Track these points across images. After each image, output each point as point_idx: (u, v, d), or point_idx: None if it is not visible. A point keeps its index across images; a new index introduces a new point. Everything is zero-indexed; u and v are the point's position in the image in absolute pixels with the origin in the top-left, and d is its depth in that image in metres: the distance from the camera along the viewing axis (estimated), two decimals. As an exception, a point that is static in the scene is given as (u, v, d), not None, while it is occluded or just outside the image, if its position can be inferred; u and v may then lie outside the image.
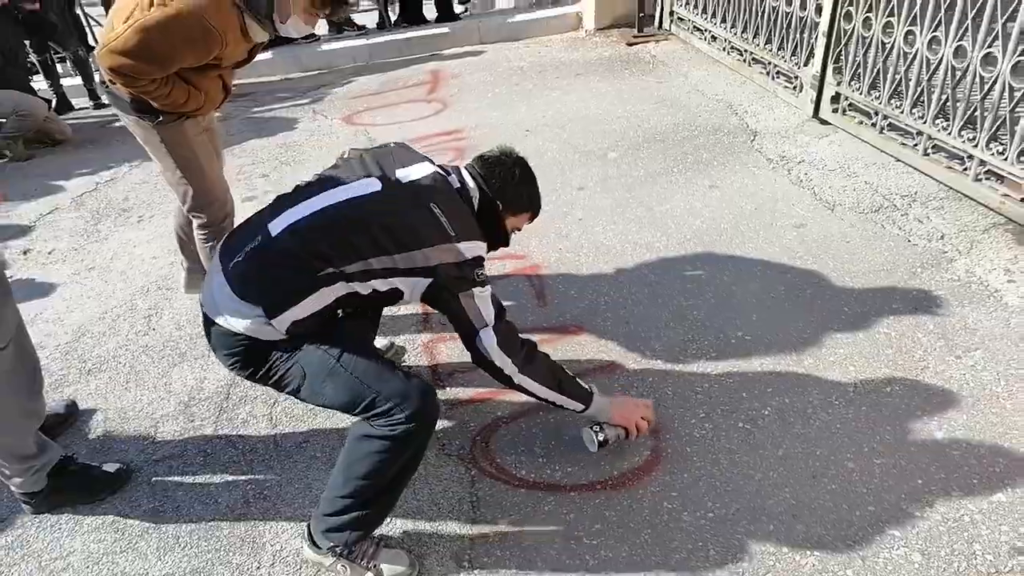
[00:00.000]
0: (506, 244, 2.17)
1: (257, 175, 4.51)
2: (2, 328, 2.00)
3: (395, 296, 1.90)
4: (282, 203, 1.91)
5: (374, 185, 1.88)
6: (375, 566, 1.92)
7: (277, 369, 1.86)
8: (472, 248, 1.88)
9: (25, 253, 3.91)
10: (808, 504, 2.04)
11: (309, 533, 1.97)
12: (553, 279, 3.16)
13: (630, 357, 2.67)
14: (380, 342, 2.71)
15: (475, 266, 1.88)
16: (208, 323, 1.86)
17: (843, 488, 2.08)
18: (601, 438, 2.18)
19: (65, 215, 4.32)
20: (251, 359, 1.86)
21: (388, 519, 2.09)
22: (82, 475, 2.31)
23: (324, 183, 1.93)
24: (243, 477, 2.34)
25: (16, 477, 2.19)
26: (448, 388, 2.62)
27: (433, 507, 2.16)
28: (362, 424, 1.84)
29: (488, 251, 2.01)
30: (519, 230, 2.23)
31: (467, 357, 2.67)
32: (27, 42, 5.86)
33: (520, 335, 2.04)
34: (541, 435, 2.37)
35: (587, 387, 2.13)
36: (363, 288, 1.83)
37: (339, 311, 1.91)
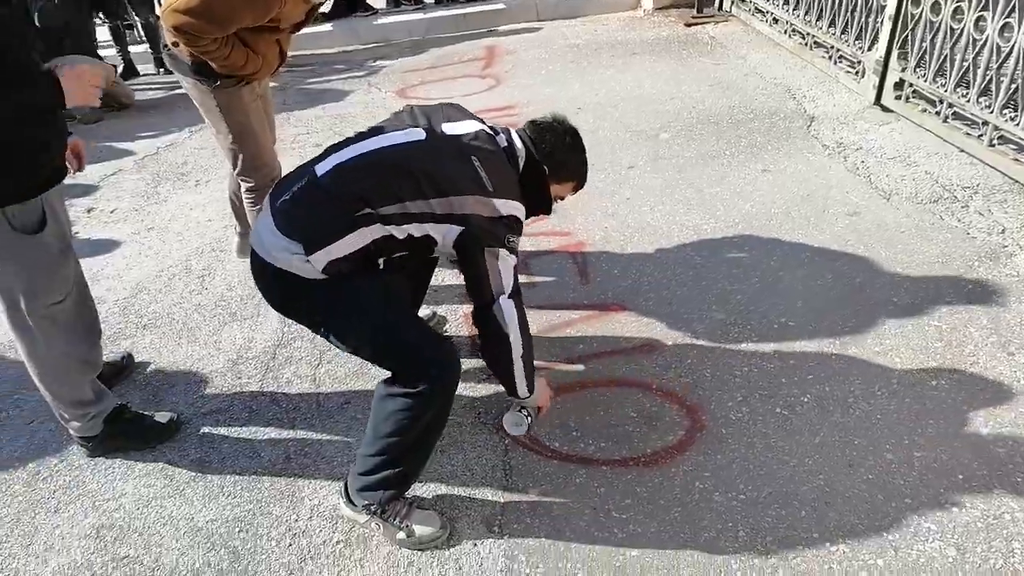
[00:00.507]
0: (548, 211, 2.17)
1: (311, 144, 4.59)
2: (61, 283, 2.10)
3: (428, 244, 1.89)
4: (331, 150, 1.95)
5: (419, 135, 1.91)
6: (407, 525, 1.98)
7: (314, 308, 1.90)
8: (508, 206, 1.87)
9: (89, 211, 4.06)
10: (842, 492, 2.02)
11: (346, 491, 2.04)
12: (597, 257, 3.16)
13: (670, 337, 2.66)
14: (423, 311, 2.77)
15: (509, 227, 1.88)
16: (254, 259, 1.91)
17: (880, 479, 2.06)
18: (530, 421, 2.24)
19: (127, 176, 4.47)
20: (290, 295, 1.90)
21: (422, 482, 2.15)
22: (136, 423, 2.42)
23: (372, 132, 1.96)
24: (286, 434, 2.42)
25: (74, 421, 2.30)
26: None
27: (467, 472, 2.20)
28: (386, 384, 1.90)
29: (529, 215, 2.02)
30: (562, 199, 2.22)
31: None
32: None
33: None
34: (575, 409, 2.39)
35: (527, 382, 2.10)
36: (399, 232, 1.84)
37: (379, 260, 1.94)
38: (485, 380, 2.55)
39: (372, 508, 1.98)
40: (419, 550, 1.98)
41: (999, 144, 3.41)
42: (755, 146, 3.96)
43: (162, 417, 2.48)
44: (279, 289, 1.91)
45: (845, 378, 2.41)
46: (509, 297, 1.92)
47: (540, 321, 2.81)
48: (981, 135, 3.48)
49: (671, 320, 2.75)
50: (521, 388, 2.08)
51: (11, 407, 2.66)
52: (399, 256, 1.96)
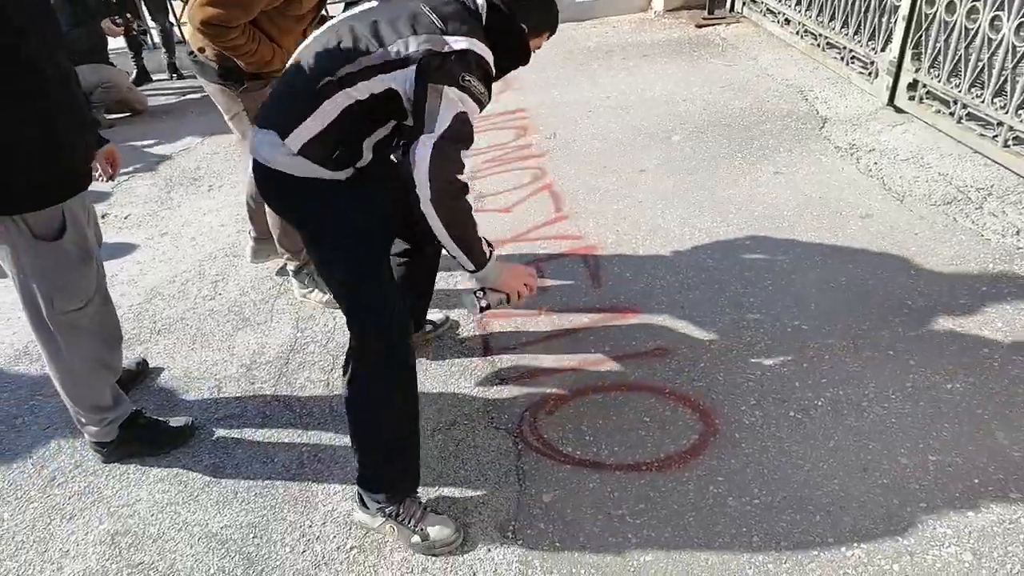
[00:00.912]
0: (526, 61, 2.03)
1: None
2: (81, 291, 2.12)
3: (395, 102, 1.79)
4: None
5: (373, 3, 1.90)
6: (422, 529, 1.98)
7: (304, 217, 1.97)
8: (461, 42, 1.73)
9: (103, 217, 4.09)
10: (857, 497, 2.01)
11: (360, 496, 2.04)
12: (609, 260, 3.16)
13: (682, 341, 2.66)
14: (434, 315, 2.77)
15: (464, 65, 1.74)
16: (254, 168, 1.93)
17: (895, 483, 2.04)
18: (484, 303, 2.03)
19: (141, 182, 4.50)
20: (285, 198, 1.96)
21: (436, 486, 2.16)
22: (150, 428, 2.44)
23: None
24: (299, 439, 2.43)
25: (91, 426, 2.32)
26: (499, 363, 2.65)
27: (480, 477, 2.20)
28: (347, 386, 1.96)
29: (508, 68, 1.96)
30: (538, 48, 2.09)
31: (520, 333, 2.72)
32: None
33: (460, 177, 1.82)
34: (588, 414, 2.38)
35: (487, 250, 1.93)
36: (360, 93, 1.76)
37: (362, 148, 1.88)
38: (497, 384, 2.55)
39: (386, 511, 2.00)
40: (433, 555, 1.98)
41: (1014, 145, 3.38)
42: (767, 148, 3.94)
43: (176, 422, 2.50)
44: (275, 191, 1.95)
45: (859, 381, 2.40)
46: (437, 139, 1.72)
47: (552, 324, 2.81)
48: (996, 136, 3.45)
49: (684, 323, 2.74)
50: (464, 261, 1.89)
51: (27, 413, 2.68)
52: (382, 150, 1.92)
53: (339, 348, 2.82)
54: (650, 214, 3.46)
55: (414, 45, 1.73)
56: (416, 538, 1.98)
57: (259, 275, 3.34)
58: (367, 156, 1.90)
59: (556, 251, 3.27)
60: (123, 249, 3.73)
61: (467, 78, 1.74)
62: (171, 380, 2.77)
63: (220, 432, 2.50)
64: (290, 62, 1.93)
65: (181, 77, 6.42)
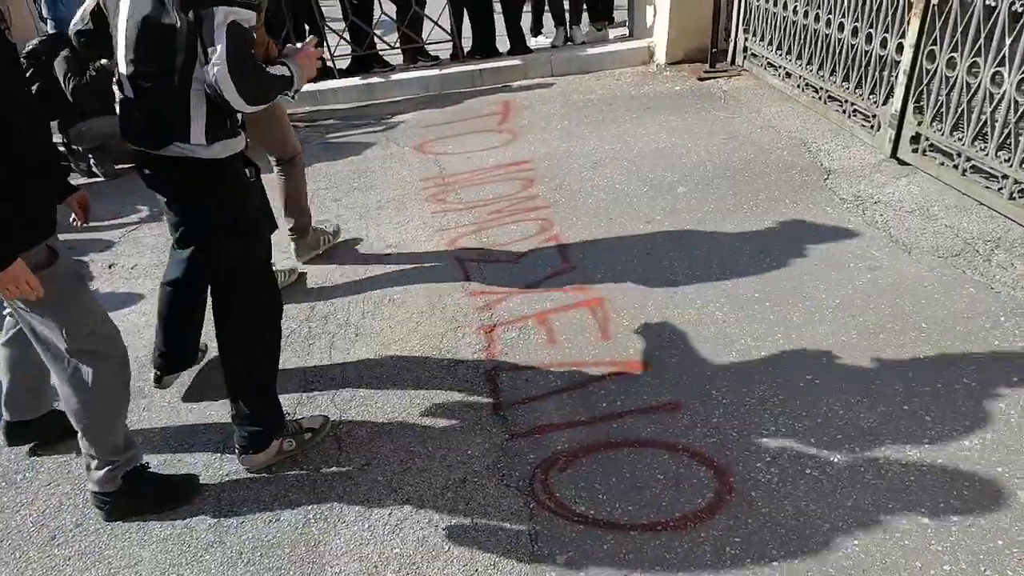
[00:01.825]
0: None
1: (330, 199, 4.64)
2: (88, 312, 2.17)
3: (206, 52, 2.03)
4: None
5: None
6: (300, 426, 2.56)
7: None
8: None
9: (110, 267, 4.10)
10: (880, 560, 1.96)
11: (250, 446, 2.46)
12: (618, 312, 3.15)
13: (695, 396, 2.63)
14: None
15: None
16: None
17: (917, 545, 1.99)
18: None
19: (148, 232, 4.52)
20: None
21: (447, 548, 2.11)
22: (155, 482, 2.42)
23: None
24: (306, 496, 2.38)
25: (98, 471, 2.29)
26: (509, 418, 2.62)
27: (491, 538, 2.15)
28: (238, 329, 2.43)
29: None
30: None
31: (530, 386, 2.70)
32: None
33: (257, 66, 2.11)
34: (601, 471, 2.34)
35: (286, 72, 2.23)
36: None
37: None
38: (507, 440, 2.52)
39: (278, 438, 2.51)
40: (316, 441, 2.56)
41: (1019, 197, 3.39)
42: (772, 200, 3.96)
43: (179, 478, 2.47)
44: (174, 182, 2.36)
45: (875, 438, 2.36)
46: (226, 53, 1.98)
47: (562, 378, 2.78)
48: (1001, 188, 3.47)
49: (694, 377, 2.72)
50: (286, 97, 2.29)
51: (27, 469, 2.64)
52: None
53: (345, 402, 2.79)
54: (658, 266, 3.46)
55: None
56: (306, 435, 2.55)
57: (266, 327, 3.32)
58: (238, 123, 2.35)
59: (565, 303, 3.26)
60: (129, 300, 3.72)
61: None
62: (176, 434, 2.73)
63: (225, 489, 2.45)
64: None
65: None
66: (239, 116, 2.26)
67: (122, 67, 2.19)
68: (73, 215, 2.42)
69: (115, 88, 2.29)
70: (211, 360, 3.10)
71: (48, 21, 6.19)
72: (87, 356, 2.17)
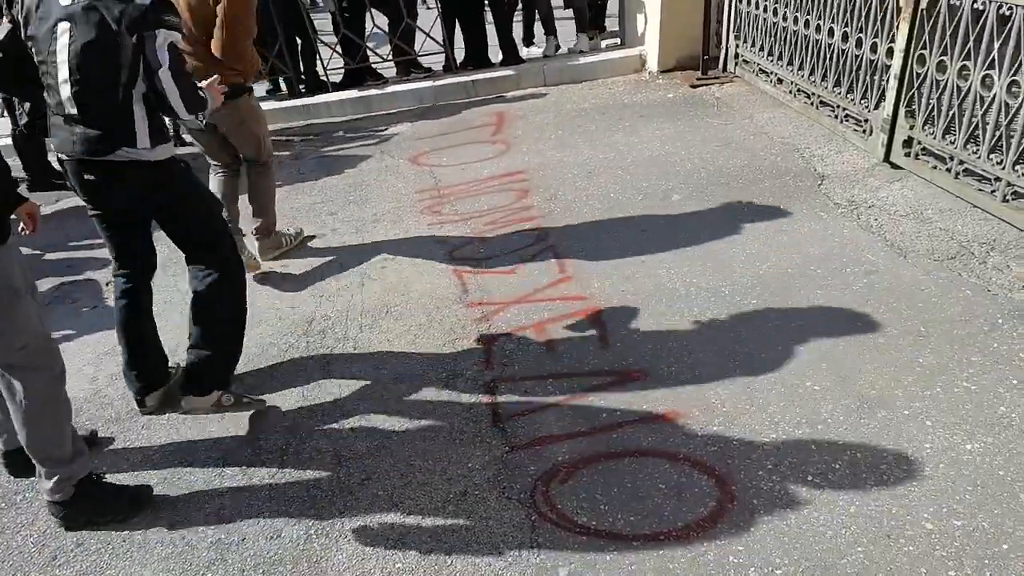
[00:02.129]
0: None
1: (325, 213, 4.64)
2: (19, 328, 2.19)
3: (149, 68, 2.40)
4: None
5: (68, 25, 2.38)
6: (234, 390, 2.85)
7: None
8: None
9: (108, 284, 4.09)
10: (884, 566, 1.96)
11: (194, 388, 2.75)
12: (616, 322, 3.15)
13: (695, 404, 2.63)
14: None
15: (160, 10, 2.37)
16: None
17: (921, 550, 1.99)
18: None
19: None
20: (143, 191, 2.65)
21: (449, 560, 2.10)
22: (107, 490, 2.45)
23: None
24: (307, 512, 2.37)
25: (47, 481, 2.32)
26: (509, 430, 2.62)
27: (493, 551, 2.14)
28: (215, 293, 2.81)
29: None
30: None
31: (529, 400, 2.69)
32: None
33: (190, 76, 2.55)
34: (602, 482, 2.34)
35: (204, 96, 2.60)
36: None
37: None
38: (508, 452, 2.51)
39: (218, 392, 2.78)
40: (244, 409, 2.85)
41: (1013, 199, 3.41)
42: (767, 206, 3.97)
43: (133, 487, 2.52)
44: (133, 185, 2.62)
45: (876, 443, 2.37)
46: (170, 68, 2.39)
47: (561, 389, 2.78)
48: (994, 191, 3.49)
49: (694, 386, 2.72)
50: (205, 113, 2.67)
51: (27, 490, 2.63)
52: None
53: (346, 416, 2.79)
54: (654, 274, 3.46)
55: (132, 18, 2.35)
56: (244, 400, 2.85)
57: (264, 343, 3.32)
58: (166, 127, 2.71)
59: (562, 312, 3.26)
60: (126, 317, 3.71)
61: (167, 19, 2.39)
62: (175, 451, 2.72)
63: (225, 506, 2.44)
64: None
65: (183, 144, 6.48)
66: (170, 126, 2.57)
67: (63, 90, 2.41)
68: (22, 224, 2.53)
69: (49, 112, 2.53)
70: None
71: None
72: (18, 371, 2.21)
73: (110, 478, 2.55)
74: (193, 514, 2.43)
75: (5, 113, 6.18)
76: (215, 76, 2.91)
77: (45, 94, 2.51)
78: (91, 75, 2.39)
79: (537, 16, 7.50)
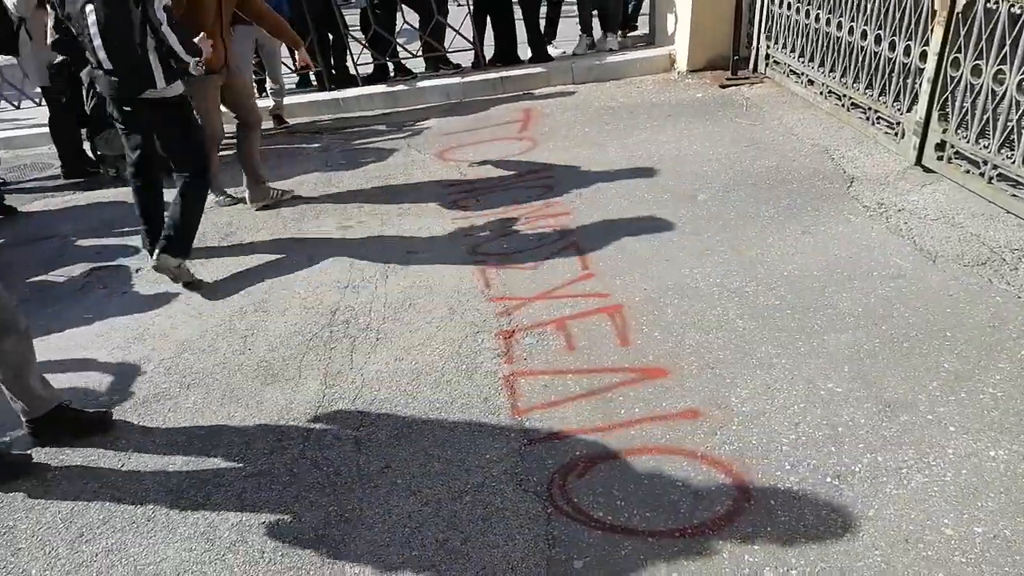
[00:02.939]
0: None
1: (352, 205, 4.68)
2: None
3: (153, 26, 3.34)
4: None
5: None
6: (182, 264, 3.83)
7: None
8: None
9: (137, 271, 4.17)
10: (901, 571, 1.94)
11: (167, 252, 3.75)
12: (637, 319, 3.15)
13: (714, 403, 2.62)
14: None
15: None
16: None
17: (940, 556, 1.97)
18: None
19: (174, 237, 4.58)
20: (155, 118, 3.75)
21: (464, 549, 2.12)
22: (72, 414, 2.82)
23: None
24: (326, 498, 2.41)
25: (26, 406, 2.72)
26: (527, 423, 2.63)
27: (508, 542, 2.16)
28: (191, 190, 3.88)
29: None
30: None
31: (549, 392, 2.70)
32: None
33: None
34: (620, 477, 2.35)
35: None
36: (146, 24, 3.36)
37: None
38: (526, 444, 2.52)
39: (181, 260, 3.81)
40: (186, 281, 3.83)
41: (1047, 206, 3.35)
42: (795, 207, 3.94)
43: (96, 412, 2.90)
44: (151, 115, 3.72)
45: (897, 447, 2.34)
46: (167, 24, 3.34)
47: (581, 384, 2.79)
48: (1028, 196, 3.43)
49: (714, 384, 2.71)
50: (194, 60, 3.52)
51: (57, 465, 2.69)
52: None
53: (368, 405, 2.82)
54: (678, 273, 3.45)
55: None
56: (195, 278, 3.89)
57: (288, 331, 3.37)
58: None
59: (584, 309, 3.27)
60: (155, 303, 3.78)
61: None
62: (199, 436, 2.77)
63: (247, 490, 2.48)
64: None
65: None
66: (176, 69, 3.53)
67: (100, 52, 3.38)
68: None
69: (91, 68, 3.64)
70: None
71: None
72: None
73: (135, 459, 2.62)
74: (216, 496, 2.47)
75: (43, 102, 6.31)
76: (203, 33, 3.64)
77: (87, 55, 3.48)
78: (116, 39, 3.33)
79: (561, 15, 7.49)
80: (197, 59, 3.46)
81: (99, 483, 2.59)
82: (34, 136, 6.96)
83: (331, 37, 7.00)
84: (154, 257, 3.77)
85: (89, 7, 3.26)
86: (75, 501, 2.51)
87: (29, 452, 2.76)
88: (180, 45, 3.36)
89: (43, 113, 6.31)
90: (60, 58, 5.43)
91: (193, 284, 3.88)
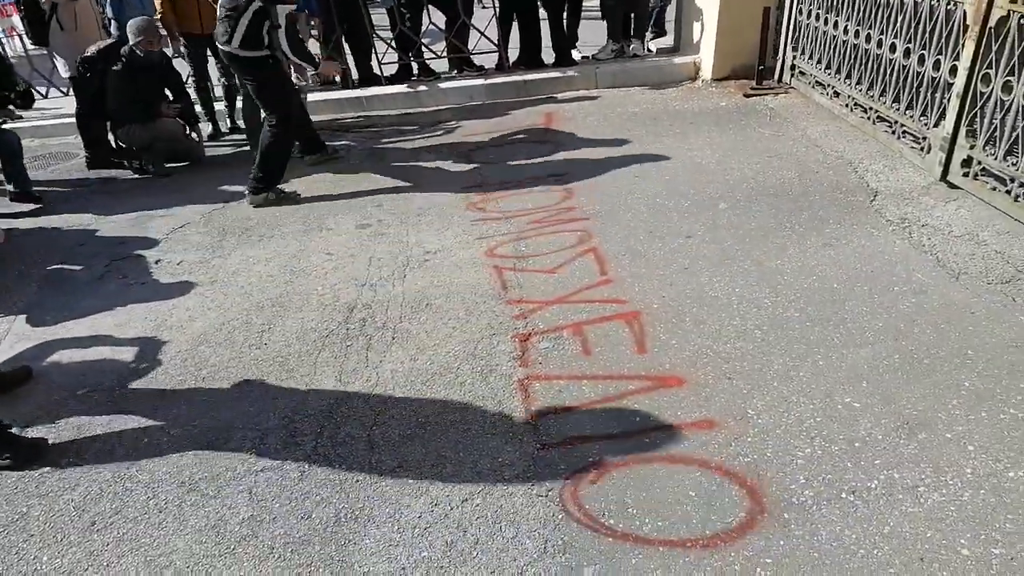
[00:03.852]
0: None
1: (372, 204, 4.70)
2: None
3: (269, 17, 4.56)
4: None
5: None
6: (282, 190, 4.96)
7: (248, 73, 4.86)
8: None
9: (157, 263, 4.20)
10: (915, 589, 1.92)
11: (254, 191, 4.90)
12: (654, 326, 3.13)
13: (730, 413, 2.60)
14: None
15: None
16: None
17: (955, 576, 1.95)
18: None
19: (194, 230, 4.62)
20: (238, 69, 4.92)
21: (474, 552, 2.11)
22: (9, 439, 2.74)
23: None
24: (337, 495, 2.41)
25: None
26: (541, 428, 2.62)
27: (519, 548, 2.15)
28: (272, 135, 4.88)
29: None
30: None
31: (563, 397, 2.70)
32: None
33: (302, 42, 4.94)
34: (632, 485, 2.33)
35: (316, 61, 5.07)
36: (250, 13, 4.51)
37: (264, 39, 4.64)
38: (539, 449, 2.51)
39: (270, 193, 4.90)
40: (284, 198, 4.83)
41: (1075, 225, 3.30)
42: (816, 219, 3.91)
43: (30, 439, 2.78)
44: (233, 65, 4.87)
45: (915, 464, 2.31)
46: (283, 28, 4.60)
47: (596, 390, 2.77)
48: (1055, 216, 3.38)
49: (730, 395, 2.69)
50: (309, 67, 5.03)
51: (72, 454, 2.72)
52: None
53: (381, 403, 2.82)
54: (696, 281, 3.43)
55: None
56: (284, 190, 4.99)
57: (305, 327, 3.38)
58: (264, 42, 4.68)
59: (601, 314, 3.25)
60: (174, 294, 3.81)
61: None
62: (216, 428, 2.78)
63: (259, 484, 2.49)
64: None
65: (239, 130, 6.62)
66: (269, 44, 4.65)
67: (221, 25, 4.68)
68: None
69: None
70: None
71: (112, 22, 6.36)
72: None
73: (148, 450, 2.66)
74: (227, 490, 2.48)
75: (71, 92, 6.38)
76: (335, 62, 5.41)
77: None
78: (226, 20, 4.61)
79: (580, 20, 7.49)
80: (313, 70, 5.08)
81: (112, 473, 2.61)
82: (60, 126, 7.05)
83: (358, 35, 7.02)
84: (248, 199, 4.92)
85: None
86: (88, 490, 2.53)
87: (45, 437, 2.79)
88: (291, 50, 4.63)
89: (70, 103, 6.38)
90: (93, 50, 5.49)
91: (286, 197, 4.92)
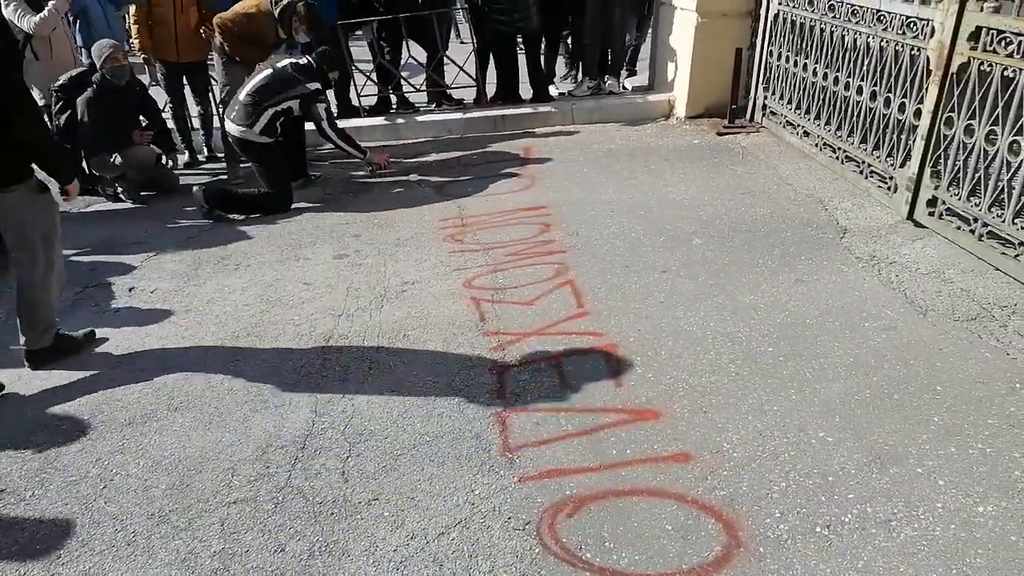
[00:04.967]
0: (330, 86, 5.52)
1: (349, 235, 4.70)
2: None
3: (292, 113, 5.21)
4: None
5: (268, 70, 5.19)
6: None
7: (258, 156, 5.25)
8: (314, 85, 5.19)
9: (131, 290, 4.15)
10: (889, 623, 1.93)
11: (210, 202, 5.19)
12: (630, 360, 3.15)
13: (705, 447, 2.62)
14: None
15: (318, 95, 5.22)
16: (232, 138, 5.35)
17: (928, 610, 1.97)
18: (371, 170, 5.84)
19: (169, 257, 4.58)
20: (247, 149, 5.29)
21: (431, 562, 2.09)
22: (68, 339, 3.47)
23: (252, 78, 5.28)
24: (311, 528, 2.38)
25: (35, 335, 3.36)
26: (517, 460, 2.62)
27: (495, 581, 2.13)
28: (258, 198, 5.34)
29: (325, 88, 5.35)
30: (335, 79, 5.60)
31: (540, 431, 2.70)
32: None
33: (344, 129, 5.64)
34: (609, 519, 2.33)
35: (364, 147, 5.63)
36: (276, 109, 5.11)
37: (278, 126, 5.22)
38: (515, 482, 2.51)
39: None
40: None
41: (1036, 265, 3.40)
42: (788, 256, 3.99)
43: (80, 333, 3.56)
44: (242, 147, 5.29)
45: (887, 499, 2.34)
46: (326, 120, 5.33)
47: (572, 423, 2.78)
48: (1018, 255, 3.48)
49: (706, 429, 2.71)
50: (356, 154, 5.62)
51: (37, 486, 2.65)
52: (286, 126, 5.30)
53: (357, 435, 2.80)
54: (671, 315, 3.47)
55: (298, 90, 5.14)
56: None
57: (280, 357, 3.35)
58: (278, 131, 5.24)
59: (577, 347, 3.27)
60: (147, 322, 3.76)
61: (322, 98, 5.28)
62: (187, 458, 2.74)
63: (231, 516, 2.45)
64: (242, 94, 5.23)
65: (215, 159, 6.60)
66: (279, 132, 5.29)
67: (244, 98, 5.18)
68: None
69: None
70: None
71: (82, 50, 6.32)
72: (45, 245, 3.27)
73: (117, 480, 2.59)
74: (199, 522, 2.44)
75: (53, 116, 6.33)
76: (386, 154, 6.03)
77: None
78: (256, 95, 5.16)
79: (560, 54, 7.63)
80: (361, 158, 5.63)
81: (80, 505, 2.55)
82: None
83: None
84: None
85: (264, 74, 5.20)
86: (53, 522, 2.47)
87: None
88: (342, 141, 5.42)
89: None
90: (64, 78, 5.47)
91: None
